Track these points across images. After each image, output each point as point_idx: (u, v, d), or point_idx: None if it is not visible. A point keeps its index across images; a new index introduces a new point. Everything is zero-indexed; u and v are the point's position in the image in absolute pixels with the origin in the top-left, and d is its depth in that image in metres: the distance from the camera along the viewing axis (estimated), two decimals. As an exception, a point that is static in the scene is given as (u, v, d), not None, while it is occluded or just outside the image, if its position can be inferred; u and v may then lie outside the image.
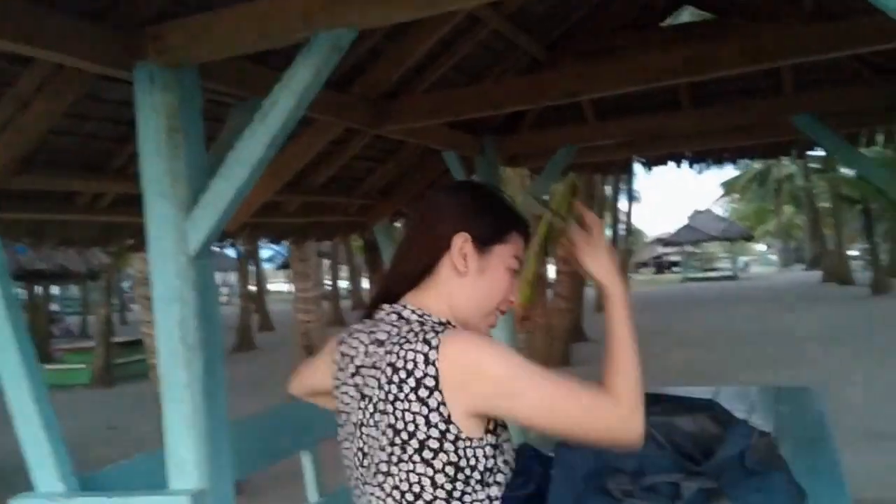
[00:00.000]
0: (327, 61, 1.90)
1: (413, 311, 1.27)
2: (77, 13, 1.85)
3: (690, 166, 4.99)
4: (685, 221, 41.30)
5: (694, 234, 39.94)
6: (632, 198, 31.41)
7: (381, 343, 1.24)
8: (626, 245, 30.64)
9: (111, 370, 14.08)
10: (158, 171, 2.00)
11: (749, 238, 45.32)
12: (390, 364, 1.18)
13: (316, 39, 1.87)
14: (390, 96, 3.32)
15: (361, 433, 1.23)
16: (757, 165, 37.01)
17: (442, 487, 1.16)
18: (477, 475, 1.19)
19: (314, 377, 1.52)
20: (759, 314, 18.32)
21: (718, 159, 5.09)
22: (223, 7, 1.94)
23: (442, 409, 1.14)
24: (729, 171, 42.46)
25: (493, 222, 1.34)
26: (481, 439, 1.18)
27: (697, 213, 42.63)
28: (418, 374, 1.15)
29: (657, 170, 5.15)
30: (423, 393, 1.15)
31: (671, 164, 4.99)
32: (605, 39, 3.80)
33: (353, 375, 1.29)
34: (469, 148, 4.15)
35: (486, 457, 1.19)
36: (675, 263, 51.54)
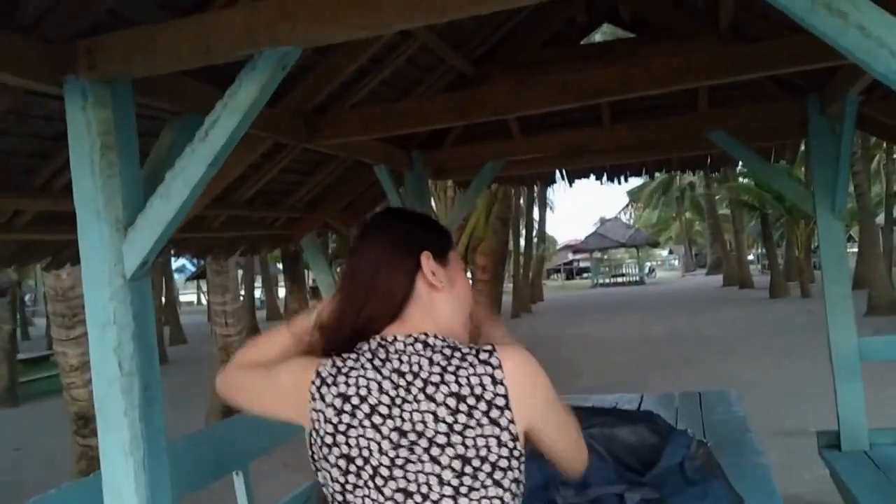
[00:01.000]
0: (272, 79, 1.86)
1: (437, 338, 1.26)
2: (3, 25, 1.76)
3: (611, 179, 5.14)
4: (593, 229, 42.49)
5: (602, 240, 41.14)
6: (545, 206, 32.05)
7: (415, 375, 1.21)
8: (539, 252, 31.23)
9: (16, 388, 13.40)
10: (92, 189, 1.92)
11: (655, 244, 46.97)
12: (452, 394, 1.17)
13: (261, 56, 1.83)
14: (320, 110, 3.30)
15: (405, 473, 1.18)
16: (657, 174, 38.41)
17: None
18: (523, 488, 1.23)
19: (261, 400, 1.40)
20: (668, 317, 18.99)
21: (637, 172, 5.25)
22: (160, 21, 1.89)
23: (511, 427, 1.17)
24: (635, 180, 43.95)
25: (438, 234, 1.39)
26: (523, 454, 1.22)
27: (605, 220, 43.90)
28: (488, 395, 1.17)
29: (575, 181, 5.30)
30: (494, 414, 1.16)
31: (592, 177, 5.13)
32: (529, 56, 3.87)
33: (368, 416, 1.21)
34: (399, 162, 4.16)
35: (524, 470, 1.24)
36: (584, 269, 52.87)
